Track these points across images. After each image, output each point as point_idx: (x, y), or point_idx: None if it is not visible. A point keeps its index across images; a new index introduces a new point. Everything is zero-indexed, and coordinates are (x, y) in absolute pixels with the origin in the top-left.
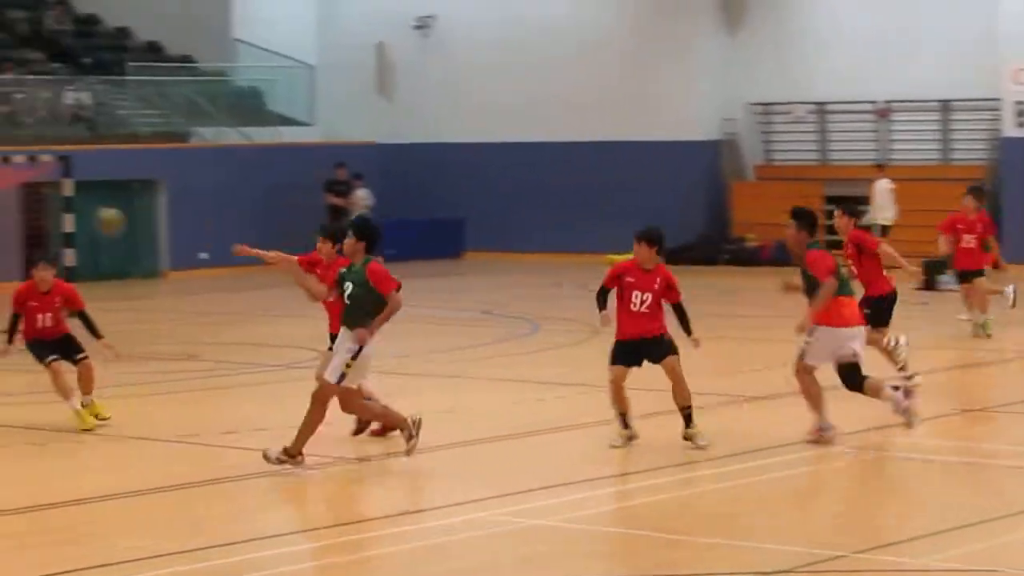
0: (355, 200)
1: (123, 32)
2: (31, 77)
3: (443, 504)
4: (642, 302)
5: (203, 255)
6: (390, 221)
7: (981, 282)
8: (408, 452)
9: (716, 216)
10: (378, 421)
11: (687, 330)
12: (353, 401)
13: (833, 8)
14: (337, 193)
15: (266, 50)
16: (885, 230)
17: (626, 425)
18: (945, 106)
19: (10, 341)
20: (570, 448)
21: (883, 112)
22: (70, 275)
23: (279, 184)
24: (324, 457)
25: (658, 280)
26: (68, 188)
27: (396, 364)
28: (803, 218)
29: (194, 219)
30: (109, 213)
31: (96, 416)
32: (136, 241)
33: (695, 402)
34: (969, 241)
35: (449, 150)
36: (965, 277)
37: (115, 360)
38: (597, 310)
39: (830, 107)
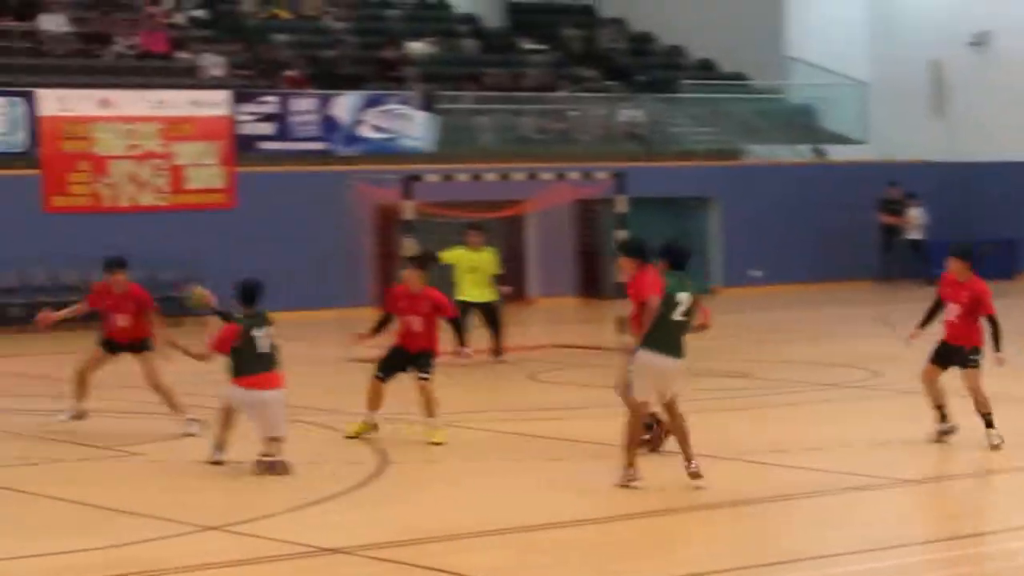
0: (908, 219)
1: (677, 50)
2: (586, 95)
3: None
4: (954, 313)
5: (755, 273)
6: (941, 242)
7: None
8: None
9: None
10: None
11: (996, 346)
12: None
13: None
14: (890, 212)
15: (819, 67)
16: None
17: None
18: None
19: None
20: None
21: None
22: (615, 291)
23: (830, 203)
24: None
25: (966, 293)
26: (621, 205)
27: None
28: None
29: (746, 237)
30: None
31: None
32: None
33: None
34: None
35: (1005, 169)
36: None
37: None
38: None
39: None
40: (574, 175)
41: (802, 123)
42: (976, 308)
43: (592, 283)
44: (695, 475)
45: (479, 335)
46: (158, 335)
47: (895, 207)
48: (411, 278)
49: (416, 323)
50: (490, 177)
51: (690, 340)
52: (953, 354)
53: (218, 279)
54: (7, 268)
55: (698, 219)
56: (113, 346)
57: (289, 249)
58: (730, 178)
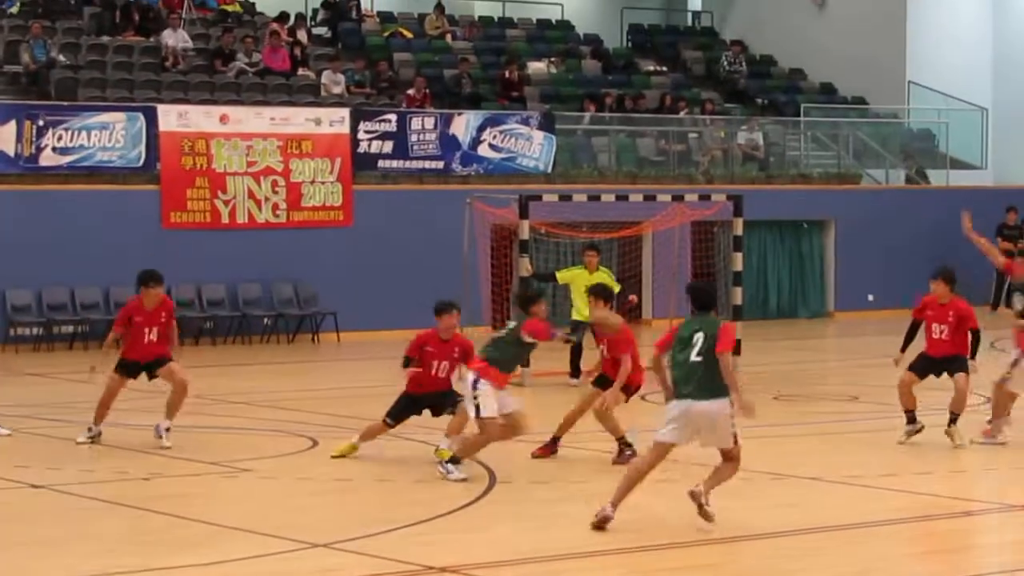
0: None
1: (797, 73)
2: (705, 117)
3: None
4: (941, 331)
5: (870, 297)
6: None
7: None
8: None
9: None
10: None
11: (972, 355)
12: None
13: None
14: (1007, 238)
15: (939, 92)
16: None
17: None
18: None
19: None
20: None
21: None
22: (736, 314)
23: (948, 228)
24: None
25: (951, 313)
26: (738, 227)
27: None
28: None
29: (863, 260)
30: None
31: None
32: (805, 281)
33: None
34: None
35: None
36: None
37: None
38: None
39: None
40: (692, 197)
41: (922, 147)
42: (962, 325)
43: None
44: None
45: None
46: (175, 349)
47: (1012, 232)
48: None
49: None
50: (607, 198)
51: (800, 364)
52: (940, 365)
53: (332, 297)
54: (126, 284)
55: (814, 242)
56: (132, 368)
57: (405, 267)
58: (847, 201)
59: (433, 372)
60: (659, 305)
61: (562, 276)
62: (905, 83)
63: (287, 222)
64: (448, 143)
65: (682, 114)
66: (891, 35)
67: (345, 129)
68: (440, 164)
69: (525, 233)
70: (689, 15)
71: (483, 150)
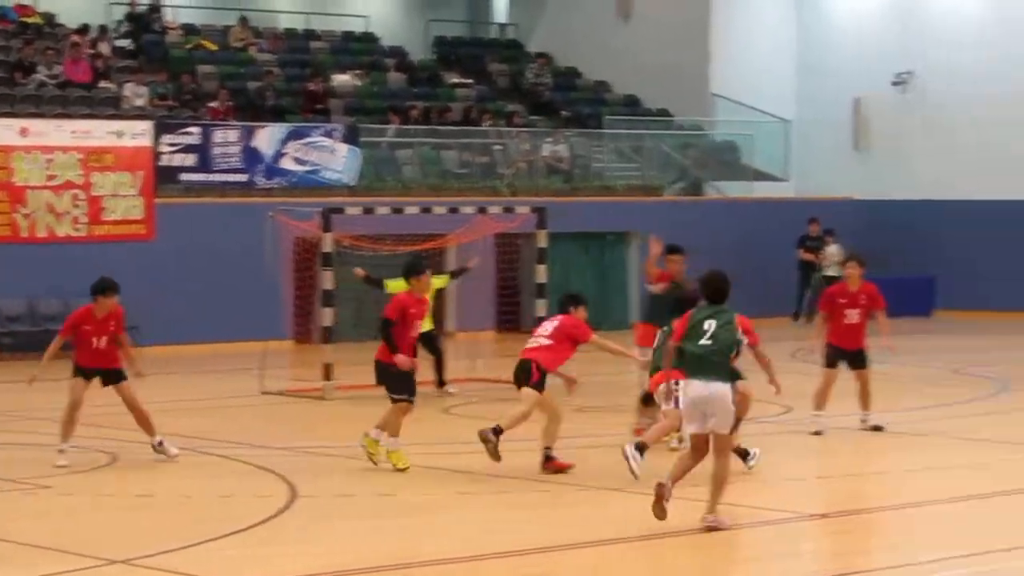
0: (826, 256)
1: (602, 85)
2: (511, 129)
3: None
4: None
5: None
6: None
7: None
8: None
9: None
10: None
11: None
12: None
13: None
14: (808, 249)
15: (743, 104)
16: None
17: None
18: None
19: None
20: None
21: None
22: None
23: (751, 239)
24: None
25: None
26: (542, 239)
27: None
28: None
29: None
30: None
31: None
32: (608, 294)
33: None
34: None
35: (925, 207)
36: None
37: None
38: None
39: None
40: (496, 209)
41: (725, 160)
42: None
43: (512, 318)
44: (711, 527)
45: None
46: (128, 360)
47: (814, 244)
48: None
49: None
50: (411, 211)
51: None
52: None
53: (134, 311)
54: None
55: (618, 254)
56: (87, 373)
57: (208, 281)
58: (650, 214)
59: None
60: (463, 318)
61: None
62: (709, 95)
63: (88, 236)
64: (252, 156)
65: (487, 126)
66: (695, 48)
67: (147, 142)
68: (244, 177)
69: (328, 246)
70: (494, 27)
71: (287, 163)
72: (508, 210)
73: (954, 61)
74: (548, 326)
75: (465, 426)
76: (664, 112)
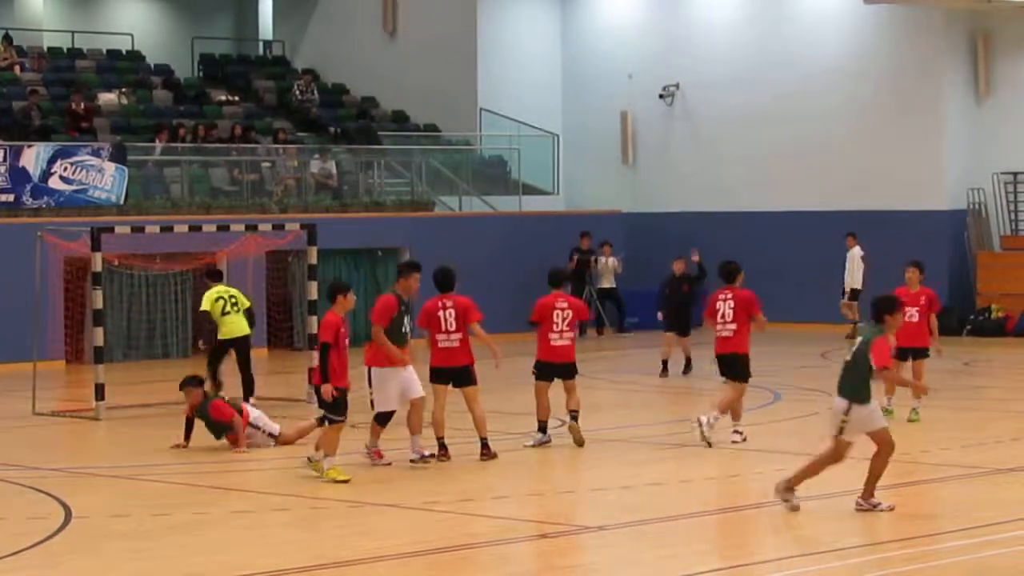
0: (602, 268)
1: (370, 101)
2: (278, 146)
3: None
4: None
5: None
6: (631, 291)
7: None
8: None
9: (961, 287)
10: None
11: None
12: None
13: None
14: (580, 263)
15: (511, 119)
16: (855, 294)
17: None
18: None
19: None
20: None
21: None
22: (312, 343)
23: (521, 253)
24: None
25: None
26: (312, 256)
27: (635, 433)
28: None
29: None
30: None
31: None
32: None
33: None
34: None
35: (692, 219)
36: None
37: None
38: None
39: None
40: (265, 227)
41: (494, 175)
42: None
43: (284, 334)
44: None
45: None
46: None
47: (586, 256)
48: None
49: None
50: (180, 229)
51: None
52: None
53: None
54: None
55: (389, 270)
56: None
57: None
58: (420, 229)
59: None
60: None
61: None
62: (477, 110)
63: None
64: (18, 176)
65: (255, 144)
66: (462, 63)
67: None
68: (10, 197)
69: (98, 265)
70: (260, 44)
71: (54, 183)
72: (278, 227)
73: (715, 72)
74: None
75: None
76: (432, 127)
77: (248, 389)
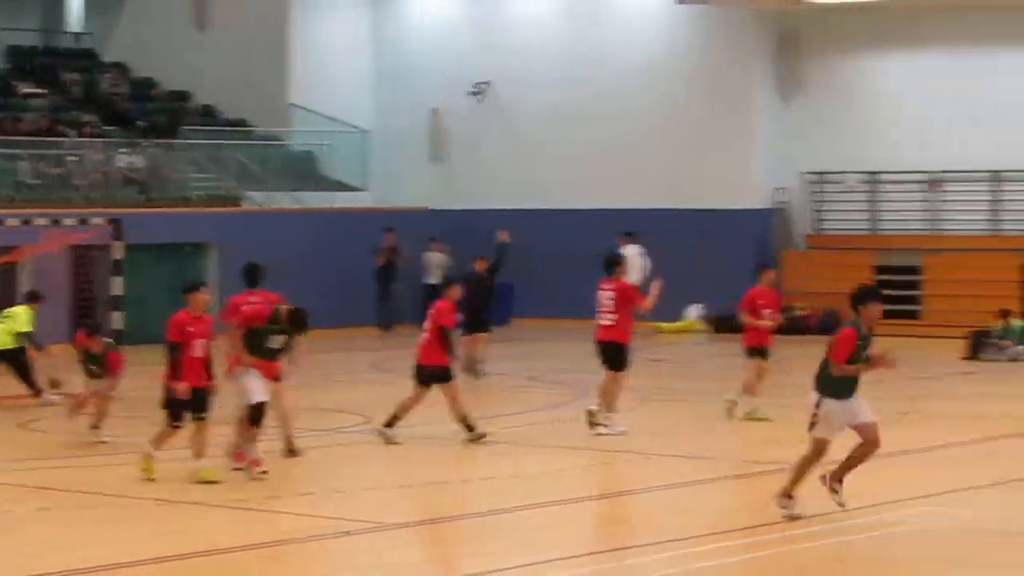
0: (428, 264)
1: (179, 95)
2: (84, 140)
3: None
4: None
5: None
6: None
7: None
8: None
9: None
10: None
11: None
12: None
13: (887, 79)
14: (388, 258)
15: (321, 115)
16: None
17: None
18: (996, 176)
19: None
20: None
21: (935, 183)
22: (118, 339)
23: (330, 249)
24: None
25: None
26: (118, 251)
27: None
28: None
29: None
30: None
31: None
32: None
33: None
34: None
35: (502, 216)
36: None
37: None
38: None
39: (882, 177)
40: (70, 221)
41: (303, 170)
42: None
43: (91, 329)
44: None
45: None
46: None
47: (392, 253)
48: None
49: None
50: None
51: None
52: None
53: None
54: None
55: (197, 265)
56: None
57: None
58: (228, 224)
59: None
60: (43, 330)
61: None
62: (287, 105)
63: None
64: None
65: (62, 137)
66: (273, 58)
67: None
68: None
69: None
70: (69, 36)
71: None
72: (83, 222)
73: (529, 69)
74: None
75: (40, 441)
76: (242, 122)
77: (35, 393)
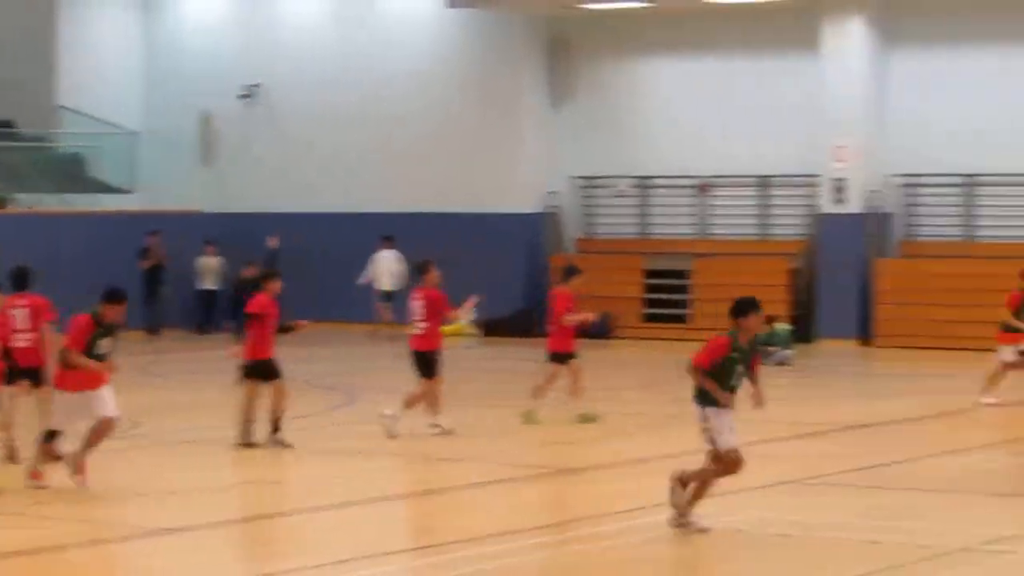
0: (202, 268)
1: None
2: None
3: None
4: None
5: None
6: (225, 292)
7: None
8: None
9: (537, 288)
10: None
11: None
12: None
13: (657, 85)
14: (149, 261)
15: (90, 116)
16: (390, 296)
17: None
18: (764, 182)
19: None
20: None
21: (704, 187)
22: None
23: (99, 252)
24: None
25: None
26: None
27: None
28: None
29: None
30: None
31: None
32: None
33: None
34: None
35: (273, 220)
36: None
37: None
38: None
39: (652, 182)
40: None
41: (71, 172)
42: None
43: None
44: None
45: None
46: None
47: (148, 254)
48: None
49: None
50: None
51: None
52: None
53: None
54: None
55: None
56: None
57: None
58: None
59: None
60: None
61: None
62: (54, 106)
63: None
64: None
65: None
66: (39, 58)
67: None
68: None
69: None
70: None
71: None
72: None
73: (299, 71)
74: None
75: None
76: (9, 123)
77: None
